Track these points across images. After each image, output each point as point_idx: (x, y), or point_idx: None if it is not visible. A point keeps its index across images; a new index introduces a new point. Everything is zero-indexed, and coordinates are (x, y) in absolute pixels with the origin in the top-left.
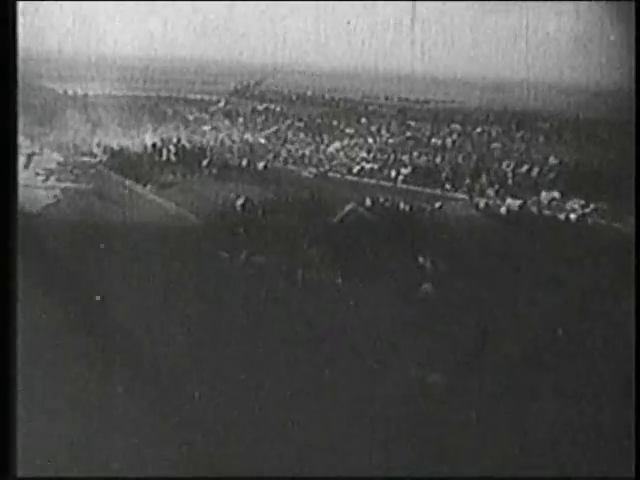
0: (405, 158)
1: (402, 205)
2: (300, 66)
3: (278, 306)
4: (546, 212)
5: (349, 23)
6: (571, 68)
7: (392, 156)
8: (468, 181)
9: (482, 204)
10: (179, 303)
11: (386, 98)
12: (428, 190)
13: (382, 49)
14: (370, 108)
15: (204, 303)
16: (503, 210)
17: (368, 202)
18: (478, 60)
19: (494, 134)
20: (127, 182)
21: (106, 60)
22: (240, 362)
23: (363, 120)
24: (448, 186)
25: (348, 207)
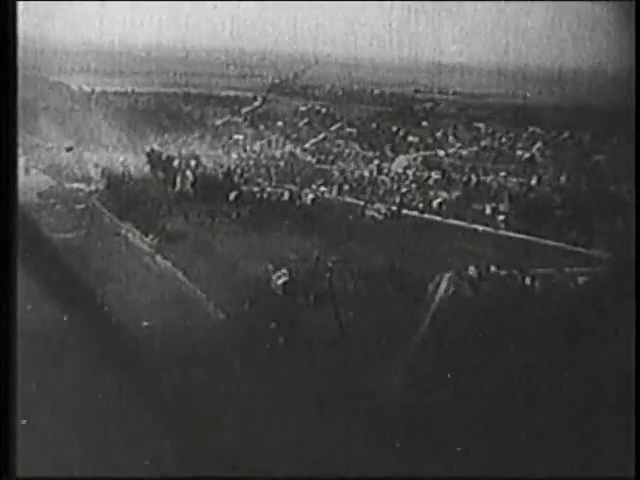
0: (490, 180)
1: (526, 278)
2: (342, 57)
3: None
4: None
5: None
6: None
7: (473, 177)
8: (602, 225)
9: None
10: None
11: (440, 92)
12: (548, 242)
13: (425, 40)
14: (427, 106)
15: None
16: None
17: (472, 269)
18: (525, 51)
19: (587, 140)
20: (124, 228)
21: (127, 51)
22: None
23: (424, 123)
24: (574, 234)
25: (444, 283)
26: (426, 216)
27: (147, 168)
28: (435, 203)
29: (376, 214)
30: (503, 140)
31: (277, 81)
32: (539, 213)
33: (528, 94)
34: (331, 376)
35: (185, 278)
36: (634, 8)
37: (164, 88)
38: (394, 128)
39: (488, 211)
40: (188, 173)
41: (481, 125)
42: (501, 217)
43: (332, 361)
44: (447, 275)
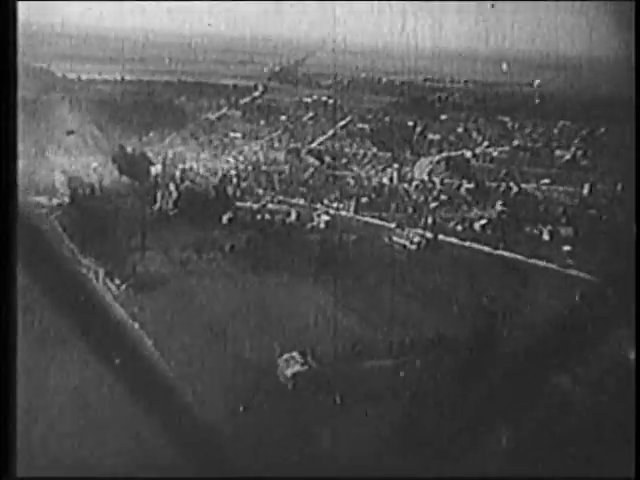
0: (532, 189)
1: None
2: (344, 44)
3: None
4: None
5: None
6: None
7: (512, 185)
8: None
9: None
10: None
11: (451, 80)
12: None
13: (429, 25)
14: (441, 95)
15: None
16: None
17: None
18: (533, 36)
19: (628, 135)
20: (85, 266)
21: (121, 35)
22: None
23: (442, 116)
24: None
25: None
26: (469, 245)
27: (124, 178)
28: (477, 225)
29: (407, 243)
30: (534, 137)
31: (278, 68)
32: (609, 240)
33: (537, 81)
34: None
35: (157, 355)
36: (634, 8)
37: (157, 76)
38: (410, 123)
39: (546, 236)
40: (172, 187)
41: (505, 119)
42: (566, 247)
43: None
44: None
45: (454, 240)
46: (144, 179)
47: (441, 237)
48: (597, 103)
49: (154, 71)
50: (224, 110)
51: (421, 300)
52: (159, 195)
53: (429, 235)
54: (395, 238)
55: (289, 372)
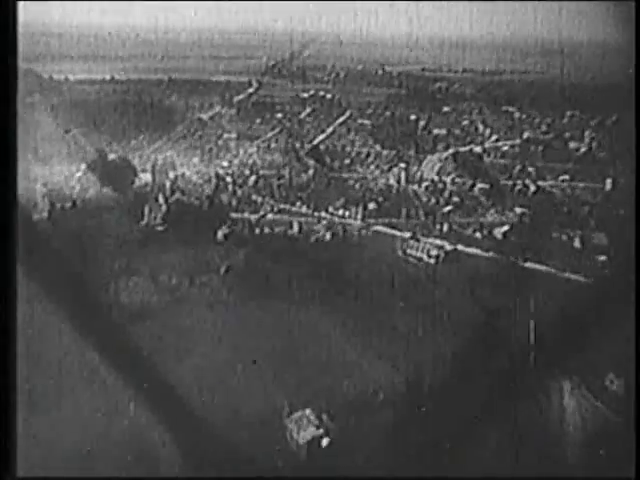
0: (551, 187)
1: None
2: (337, 35)
3: None
4: None
5: None
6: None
7: (530, 184)
8: None
9: None
10: None
11: (449, 69)
12: None
13: (424, 15)
14: (441, 86)
15: None
16: None
17: (611, 378)
18: (530, 24)
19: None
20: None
21: (114, 33)
22: None
23: (445, 108)
24: None
25: (571, 407)
26: (493, 255)
27: (107, 190)
28: (499, 232)
29: (424, 256)
30: (544, 128)
31: (272, 62)
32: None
33: (534, 68)
34: None
35: (139, 415)
36: (634, 8)
37: (148, 74)
38: (412, 116)
39: (577, 244)
40: (160, 199)
41: (511, 109)
42: (602, 257)
43: None
44: (568, 385)
45: (475, 251)
46: (127, 190)
47: (460, 247)
48: (603, 90)
49: (145, 69)
50: (217, 109)
51: (445, 332)
52: (146, 209)
53: (447, 246)
54: (410, 251)
55: (302, 438)
